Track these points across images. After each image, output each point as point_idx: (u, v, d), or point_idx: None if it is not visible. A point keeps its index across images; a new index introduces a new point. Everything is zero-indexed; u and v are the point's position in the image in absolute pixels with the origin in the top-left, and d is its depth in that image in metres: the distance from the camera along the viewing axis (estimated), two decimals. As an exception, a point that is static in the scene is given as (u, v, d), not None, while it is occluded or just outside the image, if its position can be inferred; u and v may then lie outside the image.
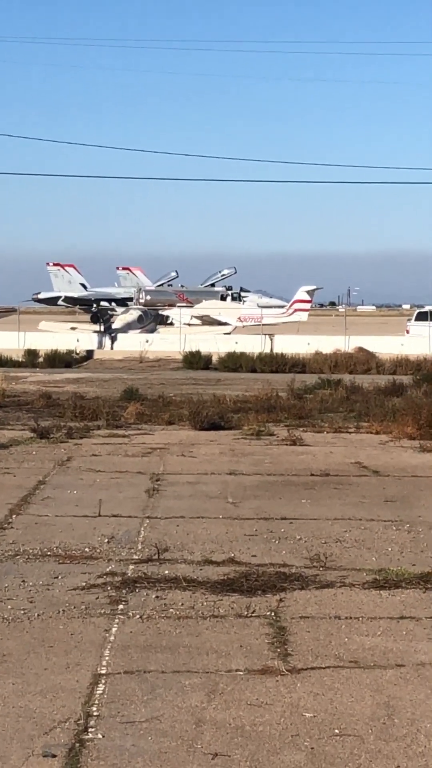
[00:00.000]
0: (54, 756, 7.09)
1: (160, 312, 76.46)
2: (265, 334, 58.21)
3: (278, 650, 9.13)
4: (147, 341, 57.10)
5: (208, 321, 75.01)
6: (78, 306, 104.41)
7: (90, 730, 7.50)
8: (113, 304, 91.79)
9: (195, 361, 49.29)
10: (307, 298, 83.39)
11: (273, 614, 10.12)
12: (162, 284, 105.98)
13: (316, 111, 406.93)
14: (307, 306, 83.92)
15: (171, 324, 72.03)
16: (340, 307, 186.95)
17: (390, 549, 12.83)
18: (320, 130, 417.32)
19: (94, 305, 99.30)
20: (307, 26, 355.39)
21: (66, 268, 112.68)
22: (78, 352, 54.21)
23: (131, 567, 11.80)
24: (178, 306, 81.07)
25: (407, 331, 61.99)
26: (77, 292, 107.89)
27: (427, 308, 66.36)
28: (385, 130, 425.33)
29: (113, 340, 59.67)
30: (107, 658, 8.91)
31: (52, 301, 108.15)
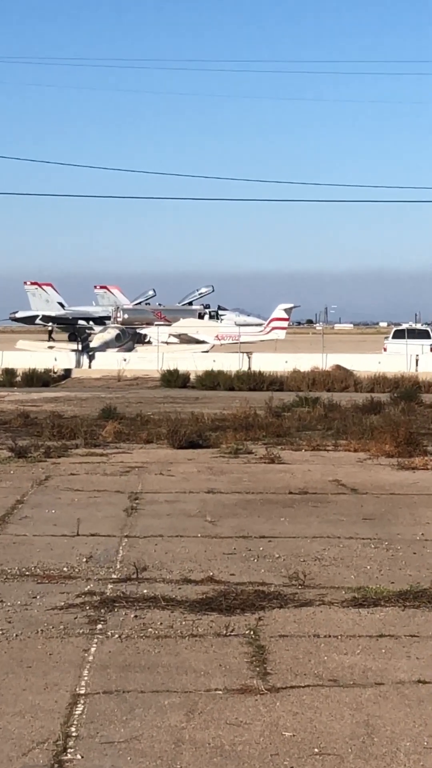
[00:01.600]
0: (33, 777, 7.05)
1: (138, 330, 76.54)
2: (243, 353, 58.26)
3: (257, 669, 9.11)
4: (125, 360, 57.11)
5: (185, 339, 75.18)
6: (55, 324, 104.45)
7: (69, 750, 7.46)
8: (91, 322, 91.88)
9: (173, 379, 49.28)
10: (285, 316, 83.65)
11: (252, 633, 10.10)
12: (140, 303, 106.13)
13: (292, 130, 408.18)
14: (285, 324, 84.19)
15: (149, 342, 72.14)
16: (318, 325, 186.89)
17: (368, 567, 12.84)
18: (298, 150, 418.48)
19: (51, 324, 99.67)
20: (287, 44, 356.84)
21: (43, 286, 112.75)
22: (56, 371, 54.18)
23: (110, 586, 11.77)
24: (156, 324, 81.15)
25: (384, 349, 62.18)
26: (55, 311, 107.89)
27: (404, 326, 66.71)
28: (364, 149, 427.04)
29: (91, 358, 59.64)
30: (86, 678, 8.88)
31: (29, 320, 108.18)
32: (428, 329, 65.40)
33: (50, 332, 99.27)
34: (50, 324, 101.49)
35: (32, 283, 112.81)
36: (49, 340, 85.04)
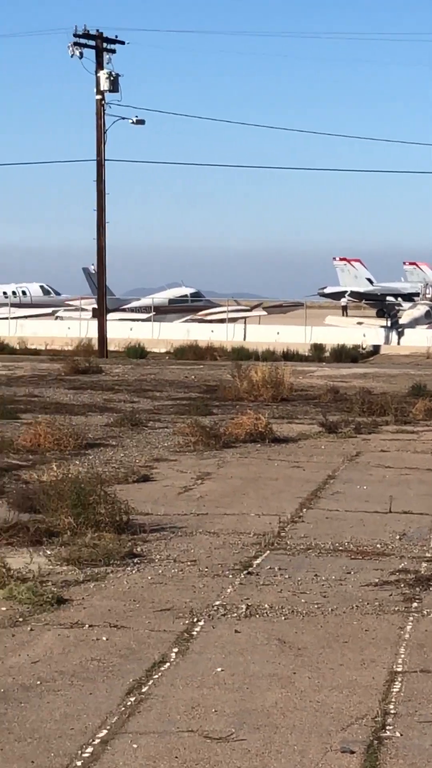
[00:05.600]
0: (353, 752, 7.05)
1: (448, 308, 75.34)
2: None
3: None
4: (434, 337, 56.37)
5: None
6: (364, 301, 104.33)
7: (387, 727, 7.44)
8: (399, 299, 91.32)
9: None
10: None
11: None
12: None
13: None
14: None
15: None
16: None
17: None
18: None
19: (345, 299, 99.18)
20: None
21: (352, 262, 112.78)
22: (364, 347, 54.08)
23: (424, 565, 11.67)
24: (467, 301, 79.68)
25: None
26: (363, 287, 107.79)
27: None
28: None
29: (400, 335, 59.18)
30: (403, 656, 8.84)
31: (337, 295, 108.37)
32: None
33: (344, 308, 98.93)
34: (345, 299, 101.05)
35: (341, 259, 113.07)
36: (344, 316, 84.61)
